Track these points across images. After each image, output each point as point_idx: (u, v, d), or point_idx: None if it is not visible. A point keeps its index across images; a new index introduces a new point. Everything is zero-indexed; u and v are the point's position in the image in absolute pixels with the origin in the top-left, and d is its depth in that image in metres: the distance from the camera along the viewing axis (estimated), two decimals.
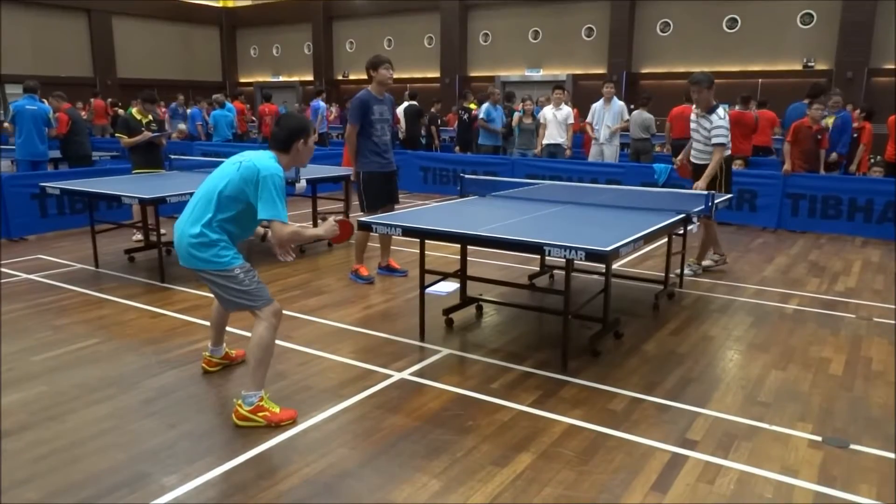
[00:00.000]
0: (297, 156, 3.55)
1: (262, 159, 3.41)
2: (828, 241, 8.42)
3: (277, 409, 3.48)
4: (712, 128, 6.12)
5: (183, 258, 3.50)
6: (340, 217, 3.66)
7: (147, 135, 7.66)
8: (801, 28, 18.83)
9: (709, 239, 6.52)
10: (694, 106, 6.39)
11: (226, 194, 3.40)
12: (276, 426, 3.41)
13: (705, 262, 6.71)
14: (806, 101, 9.26)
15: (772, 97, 15.25)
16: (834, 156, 9.36)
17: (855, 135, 9.74)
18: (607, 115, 10.51)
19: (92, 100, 18.94)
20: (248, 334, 4.53)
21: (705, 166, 6.21)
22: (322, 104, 14.35)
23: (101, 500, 2.78)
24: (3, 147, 11.72)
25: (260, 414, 3.42)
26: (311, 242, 7.65)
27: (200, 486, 2.91)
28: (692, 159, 6.49)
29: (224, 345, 4.19)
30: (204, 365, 4.14)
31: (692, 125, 6.42)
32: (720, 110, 6.13)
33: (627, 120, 10.68)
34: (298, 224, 3.57)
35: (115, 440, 3.30)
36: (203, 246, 3.40)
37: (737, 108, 10.48)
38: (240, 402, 3.46)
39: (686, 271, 6.38)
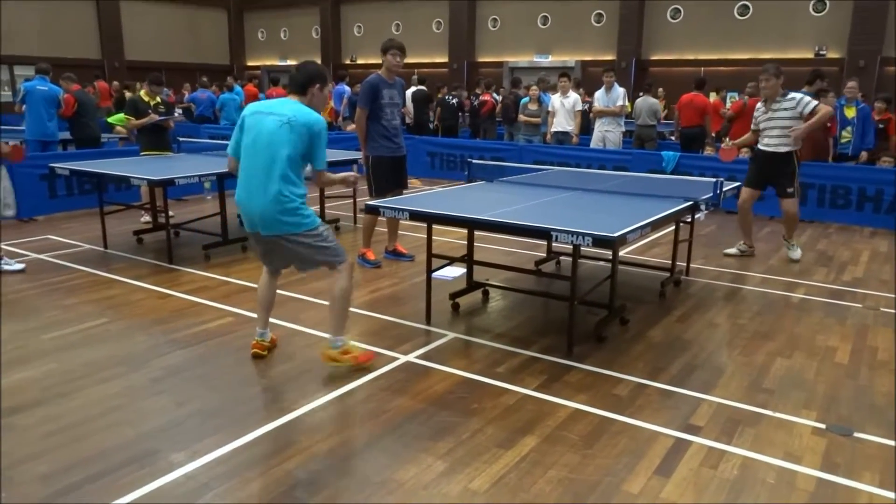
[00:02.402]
0: (313, 100, 3.78)
1: (303, 112, 3.67)
2: (836, 230, 8.39)
3: (359, 352, 3.90)
4: (799, 101, 6.13)
5: (268, 225, 3.68)
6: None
7: (154, 117, 7.67)
8: (814, 15, 18.63)
9: (793, 222, 6.64)
10: (761, 98, 6.39)
11: (294, 156, 3.64)
12: (358, 367, 3.87)
13: (730, 251, 6.78)
14: (805, 89, 9.18)
15: (783, 85, 15.11)
16: (864, 155, 9.10)
17: (881, 125, 9.54)
18: (608, 102, 10.44)
19: (95, 82, 18.90)
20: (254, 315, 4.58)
21: (777, 154, 6.30)
22: (347, 88, 14.32)
23: (111, 476, 2.82)
24: (14, 128, 11.74)
25: (348, 356, 3.85)
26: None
27: (208, 463, 2.94)
28: (762, 147, 6.42)
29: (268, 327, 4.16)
30: (257, 350, 4.06)
31: (760, 116, 6.37)
32: (793, 92, 6.26)
33: (621, 105, 10.51)
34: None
35: (125, 417, 3.34)
36: (290, 211, 3.64)
37: (745, 97, 10.41)
38: (329, 345, 3.86)
39: (794, 254, 6.67)
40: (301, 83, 3.75)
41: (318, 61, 27.79)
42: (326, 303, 5.12)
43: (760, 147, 6.45)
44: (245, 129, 3.75)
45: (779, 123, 6.25)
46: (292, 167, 3.64)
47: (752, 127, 6.52)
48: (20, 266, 5.90)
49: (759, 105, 6.44)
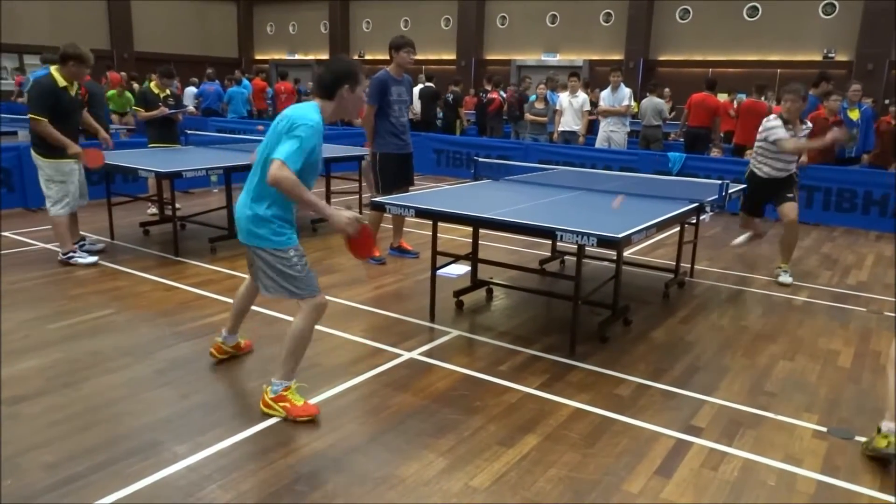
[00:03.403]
0: (343, 104, 3.28)
1: (300, 109, 3.18)
2: (841, 234, 8.37)
3: (300, 403, 3.33)
4: (806, 130, 5.91)
5: (241, 233, 3.35)
6: (365, 222, 3.38)
7: (164, 110, 7.70)
8: (823, 18, 18.57)
9: (791, 241, 6.10)
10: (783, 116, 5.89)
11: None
12: (293, 420, 3.27)
13: (738, 240, 6.67)
14: (811, 92, 9.15)
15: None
16: (865, 157, 9.10)
17: None
18: (614, 102, 10.43)
19: (108, 73, 18.91)
20: (264, 311, 4.60)
21: (778, 180, 5.94)
22: None
23: (116, 466, 2.85)
24: (23, 116, 11.78)
25: (281, 404, 3.29)
26: (311, 211, 7.67)
27: (211, 455, 2.96)
28: (774, 173, 5.95)
29: (238, 334, 4.02)
30: (213, 351, 3.95)
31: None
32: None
33: (626, 105, 10.47)
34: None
35: (129, 408, 3.36)
36: (259, 222, 3.24)
37: (753, 97, 10.40)
38: (267, 388, 3.36)
39: (784, 279, 5.97)
40: (328, 84, 3.22)
41: (327, 56, 27.82)
42: (332, 298, 5.16)
43: (772, 173, 5.95)
44: None
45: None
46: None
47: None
48: (93, 259, 5.88)
49: (781, 127, 5.76)
